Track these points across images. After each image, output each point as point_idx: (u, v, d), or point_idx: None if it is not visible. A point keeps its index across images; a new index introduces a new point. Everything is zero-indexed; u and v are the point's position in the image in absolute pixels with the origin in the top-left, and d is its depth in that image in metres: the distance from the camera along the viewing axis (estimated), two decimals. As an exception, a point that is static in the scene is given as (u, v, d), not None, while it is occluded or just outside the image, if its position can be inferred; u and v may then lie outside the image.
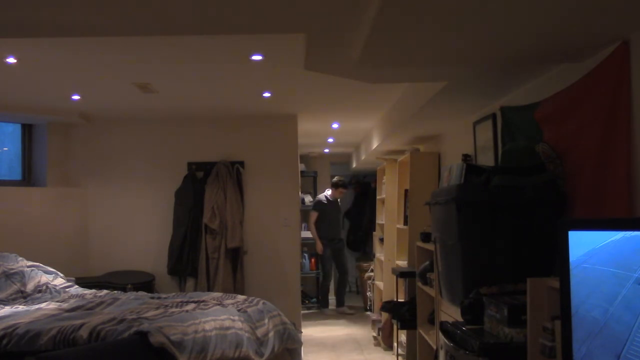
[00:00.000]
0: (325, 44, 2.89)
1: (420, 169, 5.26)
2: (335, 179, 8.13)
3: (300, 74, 3.94)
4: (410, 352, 4.90)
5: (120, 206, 6.05)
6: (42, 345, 3.26)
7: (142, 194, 6.05)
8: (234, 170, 5.95)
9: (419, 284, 4.48)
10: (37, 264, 4.91)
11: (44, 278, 4.78)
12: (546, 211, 2.70)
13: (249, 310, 3.95)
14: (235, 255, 5.84)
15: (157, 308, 3.78)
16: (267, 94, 4.96)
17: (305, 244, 8.30)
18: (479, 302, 2.58)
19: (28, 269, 4.76)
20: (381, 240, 6.81)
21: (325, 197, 8.09)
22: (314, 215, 7.98)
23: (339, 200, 8.24)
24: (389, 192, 6.40)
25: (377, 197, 7.45)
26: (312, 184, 8.89)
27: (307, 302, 8.38)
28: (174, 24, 2.70)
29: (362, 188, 9.76)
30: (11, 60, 3.69)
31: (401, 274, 5.02)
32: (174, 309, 3.76)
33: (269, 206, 6.04)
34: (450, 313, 3.29)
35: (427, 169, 5.27)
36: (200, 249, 5.80)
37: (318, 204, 8.04)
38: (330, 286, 8.33)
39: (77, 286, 4.93)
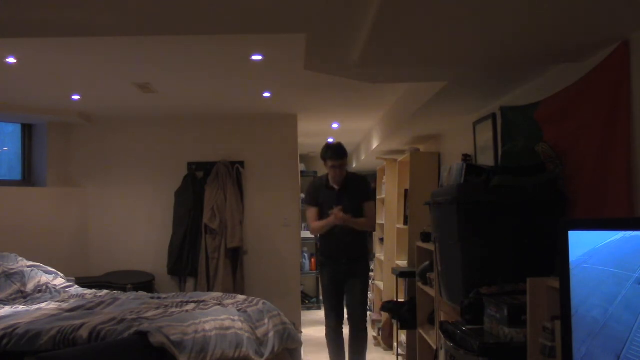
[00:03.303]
0: (325, 44, 2.89)
1: (420, 169, 5.25)
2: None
3: (300, 74, 3.94)
4: (410, 352, 4.90)
5: (120, 206, 6.05)
6: (42, 345, 3.26)
7: (142, 194, 6.04)
8: (234, 170, 5.95)
9: (419, 284, 4.48)
10: (37, 264, 4.91)
11: (44, 278, 4.78)
12: (546, 211, 2.70)
13: (249, 310, 3.95)
14: (235, 255, 5.84)
15: (157, 308, 3.78)
16: (267, 94, 4.95)
17: (306, 244, 8.29)
18: (479, 302, 2.58)
19: (28, 269, 4.75)
20: (381, 240, 6.81)
21: (325, 182, 4.56)
22: (309, 213, 4.62)
23: (354, 183, 4.56)
24: (389, 192, 6.40)
25: (377, 197, 7.45)
26: (312, 184, 8.87)
27: (307, 302, 8.38)
28: (173, 24, 2.70)
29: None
30: (11, 60, 3.69)
31: (401, 274, 5.02)
32: (174, 309, 3.76)
33: (269, 206, 6.03)
34: (451, 313, 3.29)
35: (427, 169, 5.27)
36: (200, 249, 5.80)
37: (309, 192, 4.65)
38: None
39: (77, 286, 4.93)
